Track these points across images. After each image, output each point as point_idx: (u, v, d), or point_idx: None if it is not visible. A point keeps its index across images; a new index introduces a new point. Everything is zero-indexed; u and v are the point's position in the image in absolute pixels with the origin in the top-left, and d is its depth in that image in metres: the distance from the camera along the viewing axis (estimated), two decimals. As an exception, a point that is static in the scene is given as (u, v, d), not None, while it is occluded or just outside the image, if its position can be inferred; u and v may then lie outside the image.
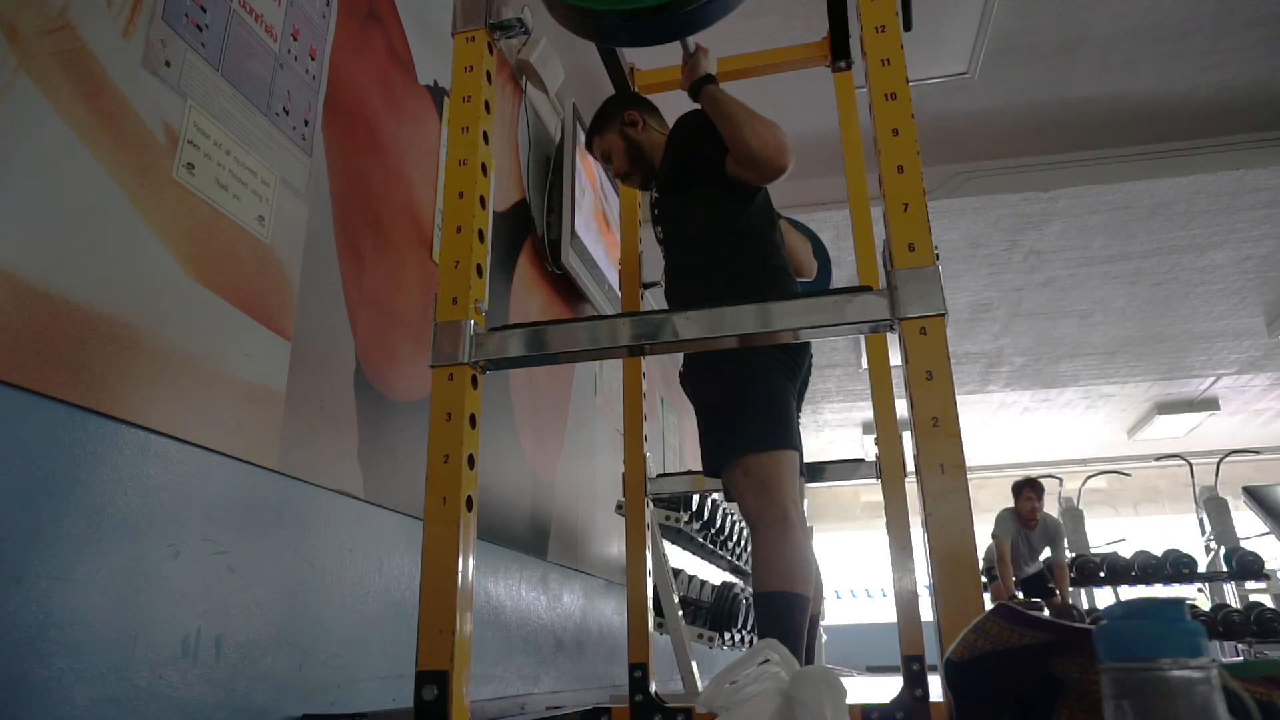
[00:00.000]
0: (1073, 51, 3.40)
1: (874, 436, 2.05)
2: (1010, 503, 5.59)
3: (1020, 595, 5.70)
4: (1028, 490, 5.52)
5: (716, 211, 1.79)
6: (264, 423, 1.45)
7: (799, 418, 1.85)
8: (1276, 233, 4.63)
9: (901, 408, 1.27)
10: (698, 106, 1.80)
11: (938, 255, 1.06)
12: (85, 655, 1.05)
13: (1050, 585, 5.59)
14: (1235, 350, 6.53)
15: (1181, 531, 8.37)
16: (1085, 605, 6.73)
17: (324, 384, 1.64)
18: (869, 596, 10.79)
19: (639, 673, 1.91)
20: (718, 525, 3.31)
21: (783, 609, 1.52)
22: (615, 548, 3.54)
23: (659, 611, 2.46)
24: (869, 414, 5.08)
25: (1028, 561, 5.66)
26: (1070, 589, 5.74)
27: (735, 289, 1.73)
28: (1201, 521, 6.28)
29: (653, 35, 1.36)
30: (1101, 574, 5.88)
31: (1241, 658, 5.25)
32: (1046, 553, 5.67)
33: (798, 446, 1.73)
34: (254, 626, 1.36)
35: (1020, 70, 3.50)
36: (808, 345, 1.85)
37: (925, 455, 0.98)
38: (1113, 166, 4.02)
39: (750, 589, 1.95)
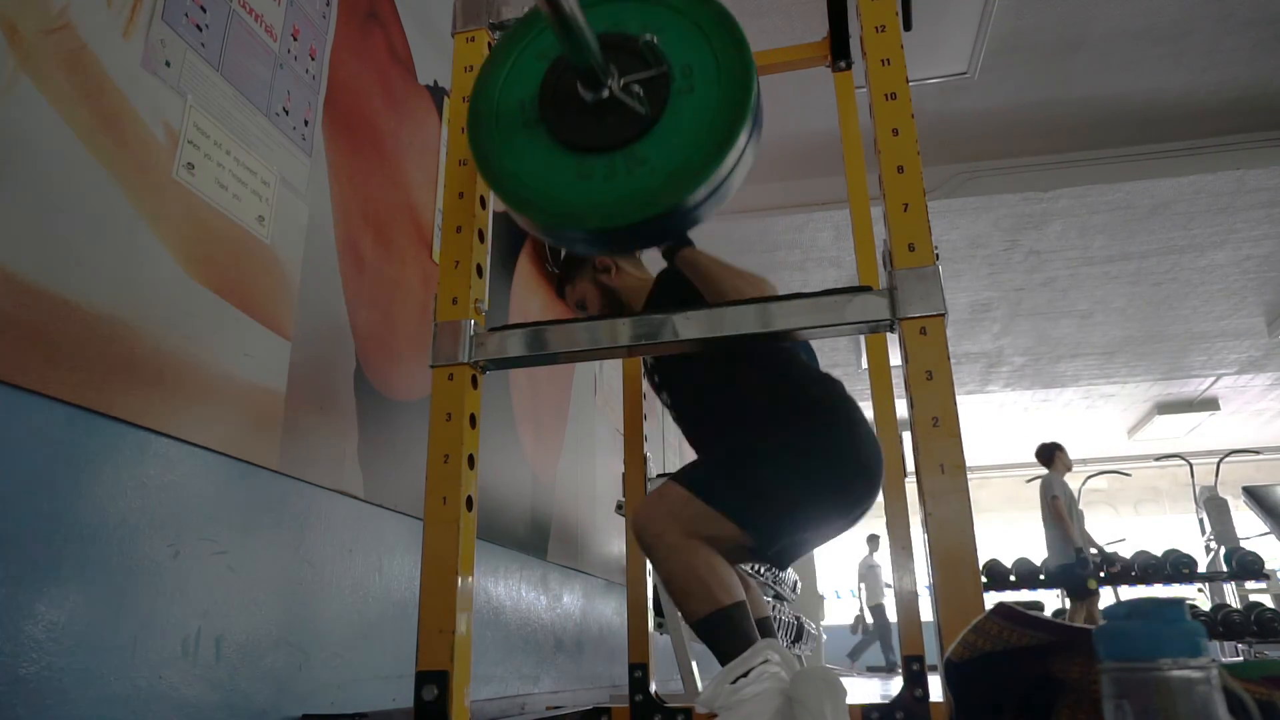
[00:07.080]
0: (1073, 51, 3.40)
1: (874, 436, 2.05)
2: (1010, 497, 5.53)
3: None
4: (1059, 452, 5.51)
5: (718, 371, 1.68)
6: (264, 423, 1.45)
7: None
8: (1276, 233, 4.63)
9: (901, 408, 1.27)
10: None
11: (938, 255, 1.06)
12: (85, 655, 1.05)
13: (1082, 573, 5.29)
14: (1235, 350, 6.53)
15: (1181, 531, 8.38)
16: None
17: (324, 384, 1.64)
18: (869, 596, 10.76)
19: (639, 673, 1.91)
20: (718, 525, 3.30)
21: (718, 628, 1.36)
22: (615, 548, 3.54)
23: (659, 611, 2.46)
24: (869, 414, 5.04)
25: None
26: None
27: (754, 441, 1.53)
28: (1201, 521, 6.29)
29: (630, 247, 1.33)
30: (1102, 574, 5.88)
31: (1241, 658, 5.25)
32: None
33: (765, 541, 1.46)
34: (254, 626, 1.36)
35: (1020, 70, 3.50)
36: (877, 488, 1.60)
37: (925, 455, 0.98)
38: (1113, 166, 4.02)
39: (748, 592, 1.86)
